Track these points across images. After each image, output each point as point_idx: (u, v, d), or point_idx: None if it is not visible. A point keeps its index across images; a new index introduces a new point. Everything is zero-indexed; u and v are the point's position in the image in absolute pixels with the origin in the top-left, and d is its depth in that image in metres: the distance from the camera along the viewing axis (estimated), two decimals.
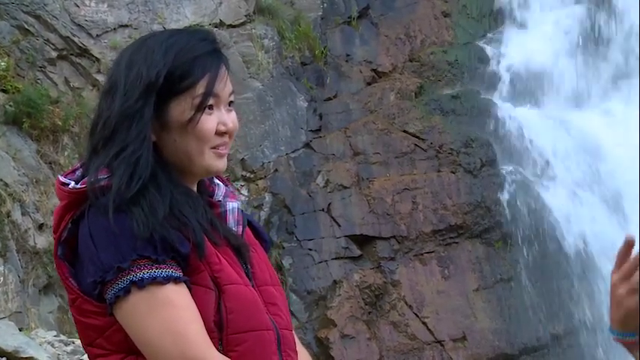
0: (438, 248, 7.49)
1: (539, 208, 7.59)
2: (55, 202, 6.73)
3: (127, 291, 1.47)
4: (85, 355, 5.06)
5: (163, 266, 1.48)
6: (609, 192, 7.71)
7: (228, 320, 1.52)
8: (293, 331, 1.68)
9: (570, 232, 7.54)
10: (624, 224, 7.54)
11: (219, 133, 1.59)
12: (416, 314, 7.23)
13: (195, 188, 1.64)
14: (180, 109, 1.56)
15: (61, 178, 1.58)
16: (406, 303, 7.27)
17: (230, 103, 1.62)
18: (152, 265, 1.47)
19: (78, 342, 5.32)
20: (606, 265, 7.45)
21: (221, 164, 1.61)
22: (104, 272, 1.48)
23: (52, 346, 4.97)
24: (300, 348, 1.71)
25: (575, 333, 7.24)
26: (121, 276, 1.47)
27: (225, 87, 1.60)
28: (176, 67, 1.55)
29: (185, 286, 1.50)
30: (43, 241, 6.45)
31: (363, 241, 7.44)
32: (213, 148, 1.59)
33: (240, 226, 1.65)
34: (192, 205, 1.56)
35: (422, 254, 7.46)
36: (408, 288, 7.31)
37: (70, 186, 1.55)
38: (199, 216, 1.55)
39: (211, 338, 1.50)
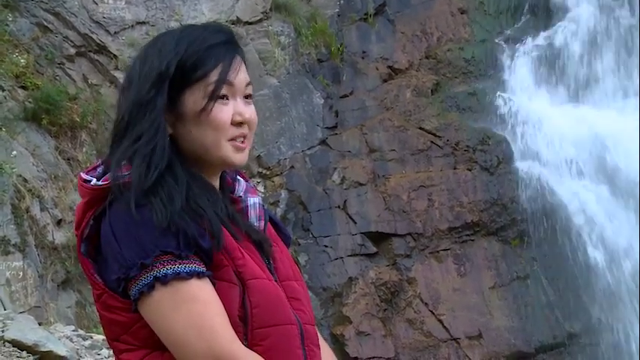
0: (454, 246, 7.47)
1: (556, 206, 7.55)
2: (73, 198, 6.79)
3: (150, 287, 1.47)
4: (103, 350, 5.10)
5: (186, 261, 1.47)
6: (627, 190, 7.65)
7: (253, 315, 1.52)
8: (315, 327, 1.68)
9: (587, 229, 7.50)
10: None
11: (235, 124, 1.57)
12: (432, 311, 7.22)
13: (217, 183, 1.63)
14: (193, 98, 1.55)
15: (83, 175, 1.58)
16: (422, 300, 7.26)
17: (248, 97, 1.61)
18: (175, 261, 1.47)
19: (96, 337, 5.36)
20: (624, 262, 7.40)
21: (239, 157, 1.58)
22: (128, 269, 1.48)
23: (71, 340, 5.01)
24: (322, 343, 1.71)
25: (592, 331, 7.20)
26: (145, 272, 1.47)
27: (239, 77, 1.58)
28: (188, 56, 1.55)
29: (209, 280, 1.50)
30: (62, 236, 6.51)
31: (378, 238, 7.44)
32: (232, 140, 1.57)
33: (262, 222, 1.65)
34: (210, 197, 1.55)
35: (438, 251, 7.44)
36: (424, 285, 7.29)
37: (91, 183, 1.55)
38: (218, 209, 1.54)
39: (236, 333, 1.50)
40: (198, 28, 1.61)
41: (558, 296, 7.33)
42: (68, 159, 7.08)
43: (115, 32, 7.70)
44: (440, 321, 7.18)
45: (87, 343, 5.10)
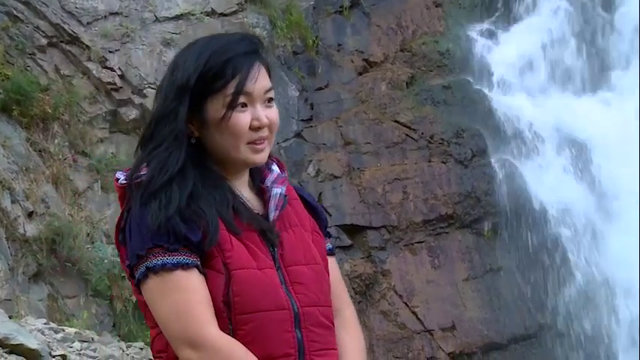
0: (428, 238, 7.51)
1: (530, 199, 7.62)
2: (44, 190, 6.73)
3: (145, 275, 1.67)
4: (75, 343, 5.06)
5: (175, 254, 1.65)
6: (600, 181, 7.74)
7: (235, 302, 1.66)
8: (331, 307, 1.78)
9: (560, 222, 7.58)
10: (614, 215, 7.58)
11: (253, 129, 1.72)
12: (406, 304, 7.25)
13: (243, 178, 1.79)
14: (214, 107, 1.71)
15: (117, 173, 1.77)
16: (396, 292, 7.29)
17: (270, 100, 1.76)
18: (165, 253, 1.65)
19: (68, 330, 5.31)
20: (596, 254, 7.50)
21: (258, 157, 1.74)
22: (131, 258, 1.69)
23: (42, 333, 4.96)
24: (346, 324, 1.84)
25: (563, 322, 7.29)
26: (141, 262, 1.67)
27: (258, 85, 1.72)
28: (209, 69, 1.70)
29: (196, 271, 1.66)
30: (33, 229, 6.43)
31: (353, 230, 7.45)
32: (251, 143, 1.72)
33: (277, 211, 1.78)
34: (217, 196, 1.70)
35: (412, 244, 7.48)
36: (398, 277, 7.33)
37: (119, 181, 1.75)
38: (223, 206, 1.70)
39: (221, 317, 1.66)
40: (222, 39, 1.76)
41: (530, 288, 7.40)
42: (40, 151, 6.99)
43: (88, 23, 7.60)
44: (414, 313, 7.22)
45: (58, 336, 5.05)
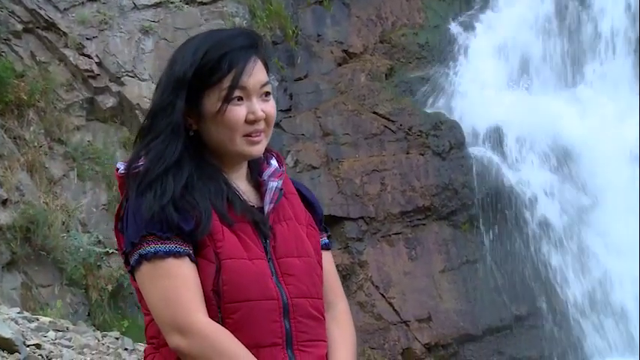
0: (406, 229, 7.53)
1: (506, 191, 7.67)
2: (19, 177, 6.65)
3: (138, 262, 1.71)
4: (50, 332, 5.01)
5: (167, 242, 1.69)
6: (575, 175, 7.81)
7: (223, 291, 1.70)
8: (322, 300, 1.82)
9: (536, 214, 7.65)
10: (590, 205, 7.67)
11: (249, 122, 1.76)
12: (382, 295, 7.28)
13: (243, 169, 1.84)
14: (211, 101, 1.75)
15: (118, 164, 1.81)
16: (373, 283, 7.32)
17: (267, 94, 1.80)
18: (158, 241, 1.69)
19: (42, 319, 5.26)
20: (570, 248, 7.58)
21: (255, 150, 1.79)
22: (126, 246, 1.73)
23: (16, 322, 4.91)
24: (341, 316, 1.87)
25: (537, 314, 7.37)
26: (135, 249, 1.71)
27: (253, 79, 1.76)
28: (205, 63, 1.74)
29: (188, 259, 1.70)
30: (7, 216, 6.36)
31: (331, 221, 7.45)
32: (246, 135, 1.77)
33: (272, 204, 1.82)
34: (212, 188, 1.75)
35: (389, 235, 7.50)
36: (375, 269, 7.35)
37: (119, 171, 1.79)
38: (218, 197, 1.74)
39: (211, 305, 1.70)
40: (220, 34, 1.80)
41: (505, 280, 7.46)
42: (14, 137, 6.91)
43: (65, 9, 7.51)
44: (390, 304, 7.25)
45: (33, 325, 5.01)
